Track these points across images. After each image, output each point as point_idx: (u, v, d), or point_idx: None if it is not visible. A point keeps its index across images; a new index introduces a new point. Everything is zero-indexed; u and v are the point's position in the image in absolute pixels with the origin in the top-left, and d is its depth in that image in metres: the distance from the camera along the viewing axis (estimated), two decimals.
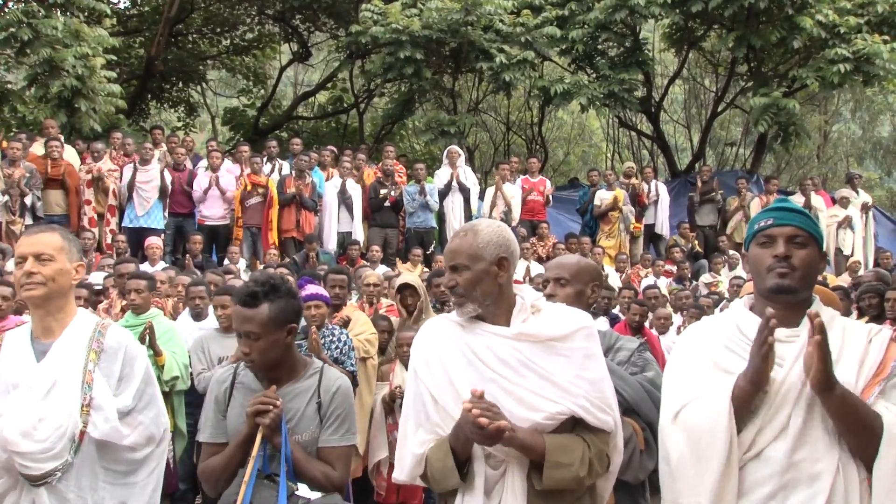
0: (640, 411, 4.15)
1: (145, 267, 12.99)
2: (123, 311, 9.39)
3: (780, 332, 3.23)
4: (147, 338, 7.74)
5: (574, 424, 3.46)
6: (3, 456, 3.88)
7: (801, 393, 3.19)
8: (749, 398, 3.21)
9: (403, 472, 3.56)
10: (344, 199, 16.01)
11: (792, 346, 3.26)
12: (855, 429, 3.15)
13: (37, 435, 3.90)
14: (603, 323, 11.28)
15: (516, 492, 3.36)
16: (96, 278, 11.42)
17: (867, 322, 9.06)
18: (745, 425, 3.24)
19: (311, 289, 8.20)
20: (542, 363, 3.45)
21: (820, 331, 3.05)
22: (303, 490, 3.80)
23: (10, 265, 10.85)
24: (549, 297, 4.34)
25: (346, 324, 8.61)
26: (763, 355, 3.14)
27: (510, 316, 3.59)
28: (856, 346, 3.31)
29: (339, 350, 7.42)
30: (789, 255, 3.32)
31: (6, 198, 14.13)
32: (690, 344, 3.57)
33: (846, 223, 17.87)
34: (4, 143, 14.77)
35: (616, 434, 3.57)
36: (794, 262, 3.32)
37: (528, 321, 3.56)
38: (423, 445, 3.49)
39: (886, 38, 19.02)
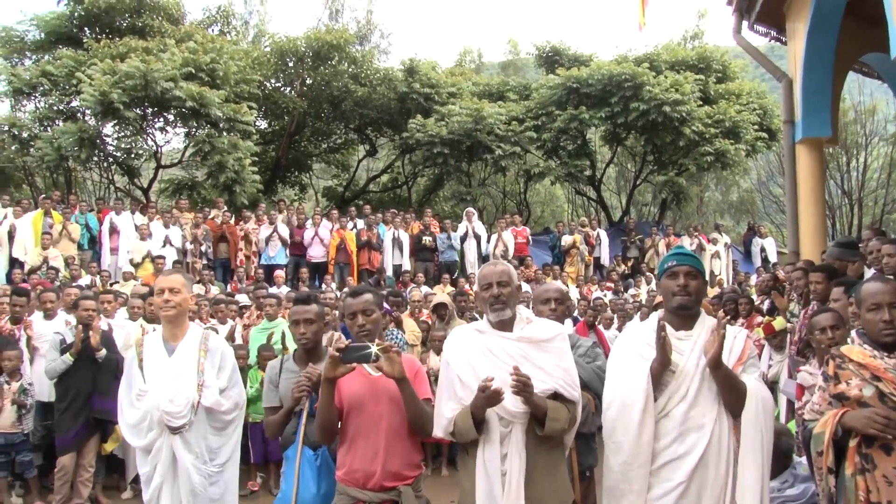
0: (592, 387, 4.24)
1: (273, 290, 13.16)
2: (259, 318, 9.42)
3: (680, 333, 3.45)
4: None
5: (555, 397, 3.47)
6: (157, 414, 4.21)
7: (695, 372, 3.35)
8: (659, 375, 3.37)
9: (440, 429, 3.54)
10: (396, 243, 16.01)
11: (688, 342, 3.43)
12: (731, 391, 3.31)
13: (176, 402, 4.23)
14: (569, 323, 11.23)
15: (519, 442, 3.38)
16: (242, 298, 11.47)
17: (729, 320, 9.15)
18: (660, 395, 3.38)
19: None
20: (534, 357, 3.49)
21: (722, 328, 3.28)
22: (318, 436, 3.76)
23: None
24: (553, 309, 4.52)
25: (399, 324, 8.60)
26: (661, 347, 3.33)
27: (513, 325, 3.58)
28: (726, 341, 3.41)
29: (396, 345, 7.36)
30: (687, 284, 3.48)
31: (192, 246, 14.71)
32: (624, 342, 3.68)
33: (716, 255, 18.07)
34: (193, 214, 15.57)
35: (579, 404, 3.58)
36: (689, 289, 3.48)
37: (525, 329, 3.58)
38: (453, 412, 3.48)
39: (732, 141, 20.26)
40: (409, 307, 10.35)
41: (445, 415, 3.49)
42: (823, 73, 10.11)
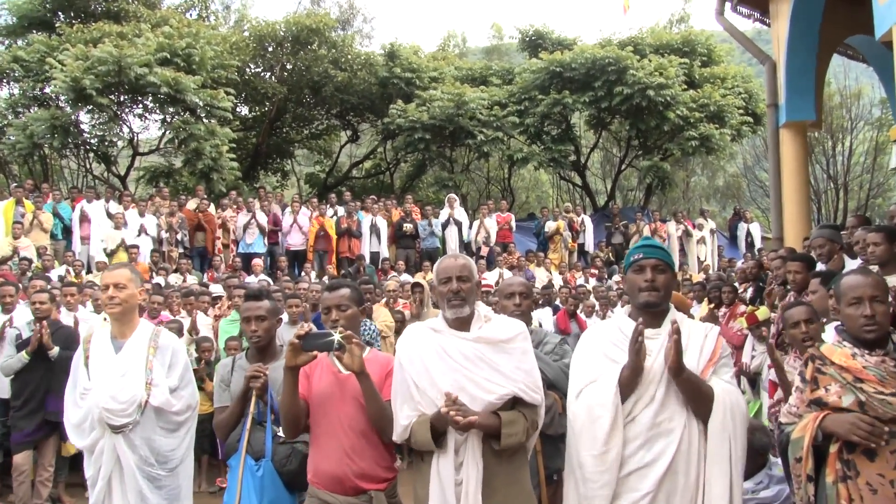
0: (559, 387, 3.96)
1: (251, 279, 13.00)
2: (230, 309, 9.19)
3: (648, 332, 3.14)
4: None
5: (514, 401, 3.24)
6: (97, 412, 4.00)
7: (663, 375, 3.09)
8: (629, 383, 3.09)
9: (396, 435, 3.30)
10: (374, 230, 15.78)
11: (656, 341, 3.16)
12: (696, 398, 3.07)
13: (119, 399, 4.01)
14: (548, 312, 11.03)
15: (476, 451, 3.15)
16: (217, 289, 11.26)
17: (714, 307, 8.89)
18: (626, 399, 3.11)
19: None
20: (493, 358, 3.24)
21: (676, 333, 2.99)
22: (283, 431, 3.57)
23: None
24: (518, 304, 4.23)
25: (370, 315, 8.38)
26: (637, 354, 3.04)
27: (470, 323, 3.33)
28: (697, 339, 3.22)
29: (368, 335, 7.13)
30: (654, 279, 3.21)
31: (167, 234, 14.45)
32: (588, 341, 3.40)
33: (702, 241, 17.94)
34: (168, 202, 15.35)
35: (541, 407, 3.35)
36: (657, 284, 3.21)
37: (483, 328, 3.33)
38: (408, 419, 3.24)
39: (717, 126, 20.04)
40: (384, 296, 10.12)
41: (401, 421, 3.25)
42: (807, 55, 9.95)
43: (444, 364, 3.22)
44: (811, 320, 4.49)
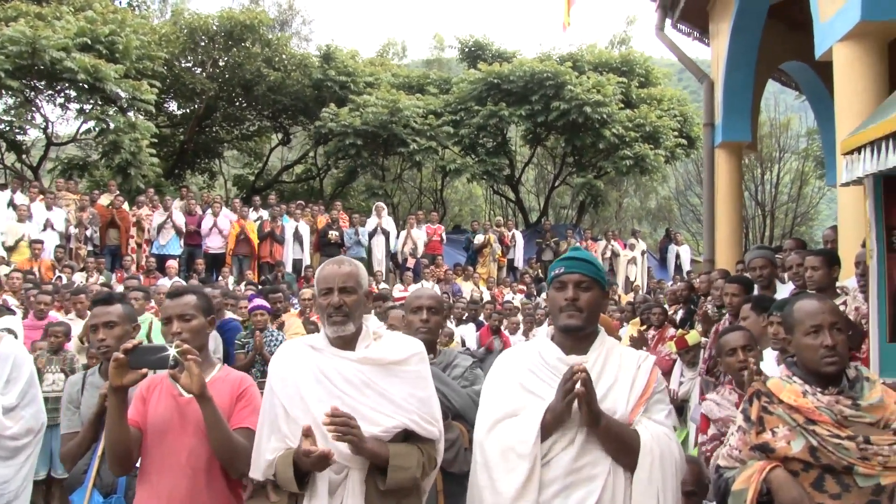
0: (467, 417, 3.37)
1: (164, 281, 12.36)
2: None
3: (570, 359, 2.63)
4: None
5: (406, 435, 2.70)
6: None
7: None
8: (552, 428, 2.56)
9: (258, 471, 2.70)
10: (297, 237, 15.13)
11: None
12: (618, 448, 2.55)
13: None
14: (472, 328, 10.57)
15: (356, 492, 2.59)
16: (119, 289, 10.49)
17: (646, 329, 8.50)
18: (545, 439, 2.57)
19: (256, 301, 7.34)
20: (381, 383, 2.69)
21: (585, 384, 2.47)
22: (109, 467, 2.90)
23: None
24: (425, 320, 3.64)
25: (281, 326, 7.76)
26: (567, 402, 2.50)
27: (357, 341, 2.77)
28: (628, 371, 2.69)
29: (276, 347, 6.47)
30: (577, 298, 2.67)
31: (76, 230, 13.67)
32: (502, 367, 2.83)
33: (633, 261, 17.73)
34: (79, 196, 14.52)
35: (440, 441, 2.83)
36: (580, 304, 2.67)
37: (370, 347, 2.78)
38: (274, 453, 2.66)
39: (652, 146, 19.83)
40: (298, 305, 9.49)
41: (265, 455, 2.67)
42: (745, 75, 9.81)
43: (321, 389, 2.67)
44: (749, 346, 4.03)
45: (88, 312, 7.92)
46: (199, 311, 3.00)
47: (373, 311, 8.26)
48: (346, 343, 2.76)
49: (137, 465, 2.87)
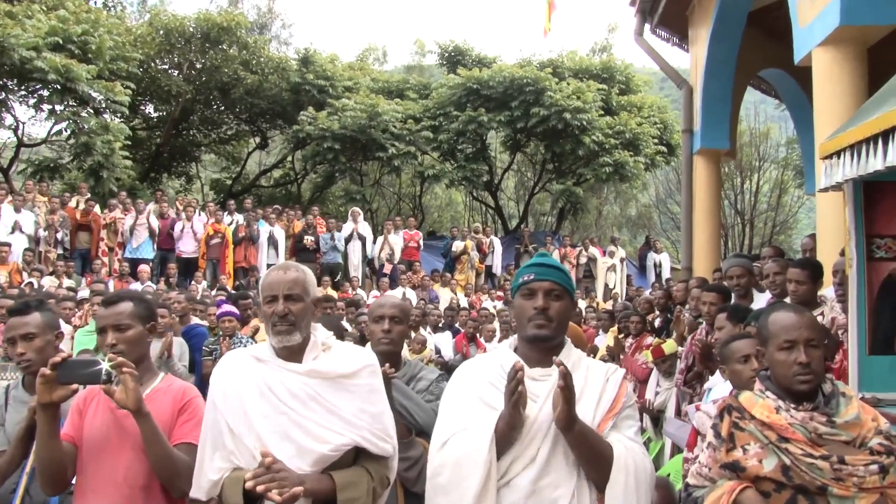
0: (431, 434, 3.15)
1: (136, 285, 12.17)
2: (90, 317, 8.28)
3: (535, 372, 2.46)
4: None
5: (357, 452, 2.53)
6: None
7: (550, 428, 2.38)
8: (506, 437, 2.37)
9: (202, 492, 2.50)
10: (272, 241, 14.89)
11: (545, 384, 2.45)
12: (591, 459, 2.36)
13: None
14: (448, 336, 10.41)
15: None
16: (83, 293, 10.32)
17: (624, 337, 8.36)
18: (503, 455, 2.39)
19: (224, 307, 7.15)
20: (330, 398, 2.51)
21: (564, 378, 2.26)
22: (41, 487, 2.71)
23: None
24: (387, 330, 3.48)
25: (255, 333, 7.57)
26: (513, 403, 2.32)
27: (304, 352, 2.59)
28: (596, 384, 2.52)
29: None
30: (547, 307, 2.49)
31: (45, 233, 13.36)
32: (461, 380, 2.66)
33: (612, 269, 17.54)
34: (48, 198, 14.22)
35: (393, 458, 2.65)
36: (550, 313, 2.50)
37: (318, 358, 2.60)
38: (219, 472, 2.46)
39: (632, 153, 19.81)
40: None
41: (209, 475, 2.47)
42: (724, 82, 9.77)
43: (265, 404, 2.48)
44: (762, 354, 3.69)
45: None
46: (136, 320, 2.80)
47: (344, 319, 8.08)
48: (293, 354, 2.58)
49: (73, 482, 2.69)
